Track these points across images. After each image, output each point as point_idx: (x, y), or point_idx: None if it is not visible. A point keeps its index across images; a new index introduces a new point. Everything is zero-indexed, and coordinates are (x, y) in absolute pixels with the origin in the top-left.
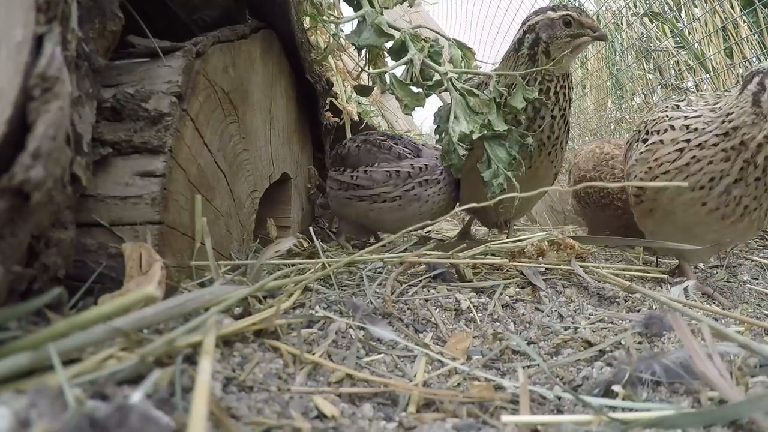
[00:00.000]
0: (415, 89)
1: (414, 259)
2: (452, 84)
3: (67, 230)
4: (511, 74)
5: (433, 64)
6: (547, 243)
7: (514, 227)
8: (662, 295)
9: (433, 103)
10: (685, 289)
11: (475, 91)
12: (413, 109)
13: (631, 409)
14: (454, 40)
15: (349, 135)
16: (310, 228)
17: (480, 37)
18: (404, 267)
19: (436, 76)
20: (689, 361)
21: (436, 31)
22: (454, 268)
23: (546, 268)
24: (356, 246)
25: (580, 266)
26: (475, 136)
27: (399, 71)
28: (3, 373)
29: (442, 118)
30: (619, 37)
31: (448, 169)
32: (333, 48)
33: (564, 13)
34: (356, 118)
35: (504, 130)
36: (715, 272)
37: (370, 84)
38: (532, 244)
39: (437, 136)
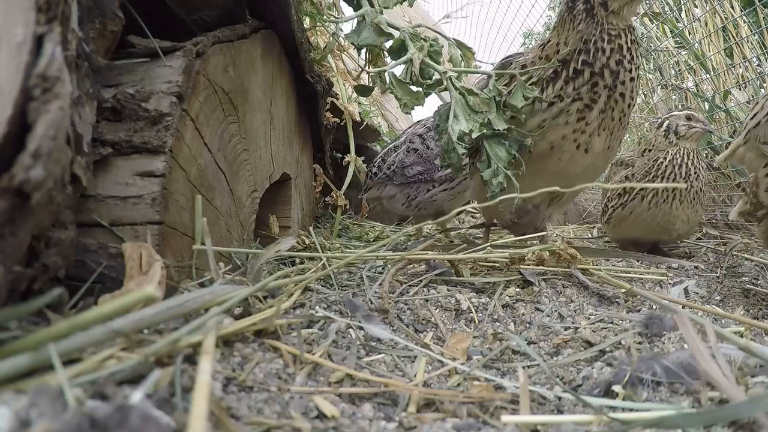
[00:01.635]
0: (414, 88)
1: (414, 257)
2: (452, 83)
3: (67, 230)
4: (510, 72)
5: (432, 63)
6: (548, 253)
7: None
8: (663, 298)
9: (436, 103)
10: (685, 290)
11: (475, 89)
12: (412, 108)
13: (631, 409)
14: (454, 39)
15: (351, 136)
16: (311, 228)
17: (480, 37)
18: (403, 264)
19: (436, 75)
20: (690, 361)
21: (436, 31)
22: (453, 267)
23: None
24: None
25: (581, 268)
26: (474, 135)
27: (398, 70)
28: (4, 374)
29: (441, 117)
30: None
31: None
32: (332, 47)
33: None
34: (357, 119)
35: (504, 129)
36: (715, 272)
37: (371, 84)
38: (534, 253)
39: (437, 135)
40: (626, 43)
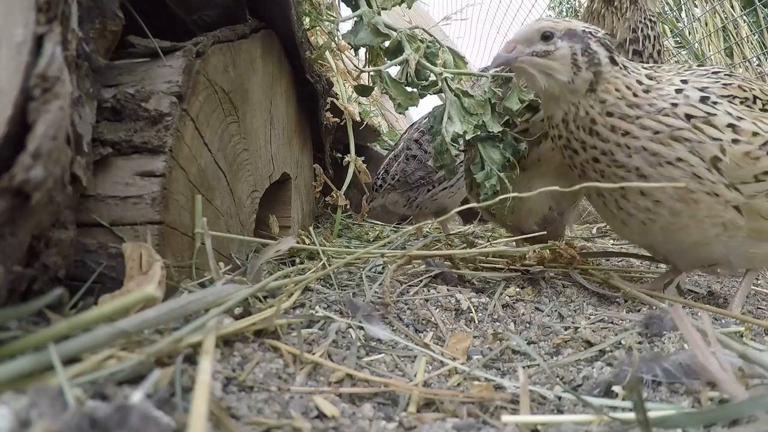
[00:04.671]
0: (409, 89)
1: (415, 254)
2: (447, 84)
3: (67, 230)
4: (507, 75)
5: (428, 65)
6: (548, 252)
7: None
8: (663, 298)
9: (432, 104)
10: (677, 287)
11: (470, 91)
12: (406, 109)
13: (631, 410)
14: (448, 47)
15: (351, 136)
16: (311, 228)
17: (480, 38)
18: (405, 261)
19: (432, 77)
20: (690, 362)
21: (431, 35)
22: (454, 268)
23: (544, 268)
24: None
25: (581, 269)
26: (468, 137)
27: (394, 71)
28: (4, 374)
29: (436, 118)
30: None
31: None
32: (328, 46)
33: None
34: (358, 119)
35: (498, 132)
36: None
37: (371, 84)
38: (534, 251)
39: (431, 137)
40: (657, 32)
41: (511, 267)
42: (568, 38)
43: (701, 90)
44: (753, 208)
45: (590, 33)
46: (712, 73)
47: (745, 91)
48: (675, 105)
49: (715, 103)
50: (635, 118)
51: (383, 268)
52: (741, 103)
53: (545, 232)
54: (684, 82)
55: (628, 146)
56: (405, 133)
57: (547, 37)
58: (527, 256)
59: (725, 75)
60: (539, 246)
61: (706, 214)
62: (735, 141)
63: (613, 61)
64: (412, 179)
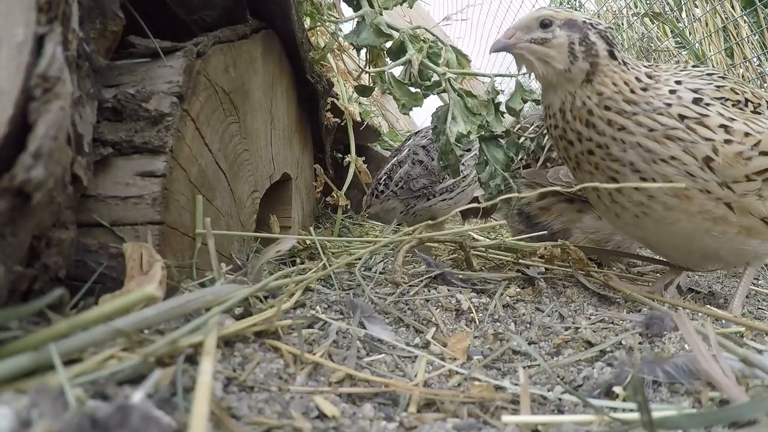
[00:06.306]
0: (412, 89)
1: (428, 236)
2: (450, 85)
3: (68, 230)
4: (510, 75)
5: (431, 65)
6: (559, 250)
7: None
8: (663, 301)
9: (436, 103)
10: (678, 287)
11: (473, 92)
12: (411, 109)
13: (632, 410)
14: (451, 46)
15: (351, 136)
16: (311, 228)
17: (481, 39)
18: (417, 243)
19: (435, 77)
20: (691, 365)
21: (433, 34)
22: (464, 252)
23: (546, 268)
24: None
25: (585, 270)
26: (472, 137)
27: (397, 71)
28: (4, 374)
29: (439, 118)
30: (620, 37)
31: None
32: (332, 47)
33: None
34: (358, 119)
35: (502, 131)
36: (715, 273)
37: (371, 84)
38: (546, 248)
39: (434, 137)
40: None
41: (517, 261)
42: (567, 27)
43: (694, 91)
44: (744, 206)
45: (591, 24)
46: (707, 74)
47: (737, 93)
48: (669, 105)
49: (707, 104)
50: (632, 114)
51: (384, 267)
52: (733, 105)
53: (545, 232)
54: (678, 83)
55: (623, 141)
56: (410, 139)
57: (545, 25)
58: (537, 252)
59: (719, 77)
60: (550, 243)
61: (699, 210)
62: (727, 141)
63: (613, 56)
64: (416, 186)
